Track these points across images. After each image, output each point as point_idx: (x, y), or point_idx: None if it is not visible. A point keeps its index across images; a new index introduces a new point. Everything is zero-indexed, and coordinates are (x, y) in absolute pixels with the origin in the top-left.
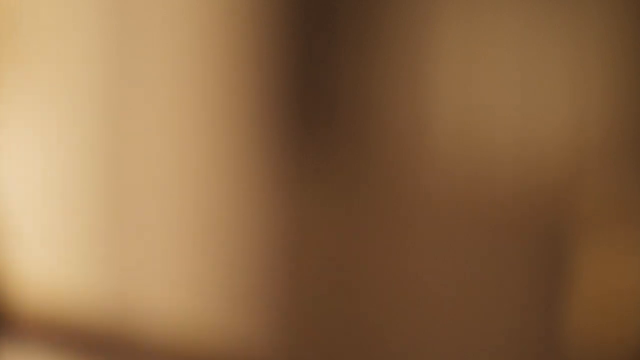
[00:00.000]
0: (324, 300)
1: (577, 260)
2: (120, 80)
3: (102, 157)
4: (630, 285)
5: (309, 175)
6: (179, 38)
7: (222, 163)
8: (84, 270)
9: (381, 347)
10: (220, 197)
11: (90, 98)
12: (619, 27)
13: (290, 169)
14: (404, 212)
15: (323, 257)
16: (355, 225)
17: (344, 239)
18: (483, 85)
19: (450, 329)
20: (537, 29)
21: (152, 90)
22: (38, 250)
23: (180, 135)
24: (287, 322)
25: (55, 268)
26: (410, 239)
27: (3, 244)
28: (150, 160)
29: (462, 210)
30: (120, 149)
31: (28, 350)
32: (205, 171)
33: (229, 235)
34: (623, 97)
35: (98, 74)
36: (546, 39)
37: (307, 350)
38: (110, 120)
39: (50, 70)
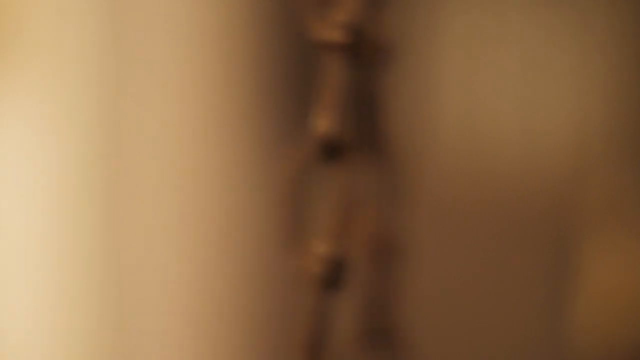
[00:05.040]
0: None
1: (580, 259)
2: (117, 80)
3: (99, 155)
4: (634, 284)
5: (307, 176)
6: (175, 37)
7: (220, 163)
8: (83, 264)
9: (382, 347)
10: (219, 197)
11: (87, 99)
12: (622, 28)
13: (289, 169)
14: (407, 214)
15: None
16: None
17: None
18: (486, 87)
19: (453, 327)
20: (540, 31)
21: (148, 89)
22: (35, 249)
23: (177, 133)
24: (286, 321)
25: (50, 265)
26: (413, 239)
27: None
28: (147, 158)
29: (465, 211)
30: (117, 147)
31: None
32: (204, 171)
33: (228, 235)
34: (626, 98)
35: (94, 75)
36: (549, 41)
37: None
38: (107, 120)
39: (47, 70)
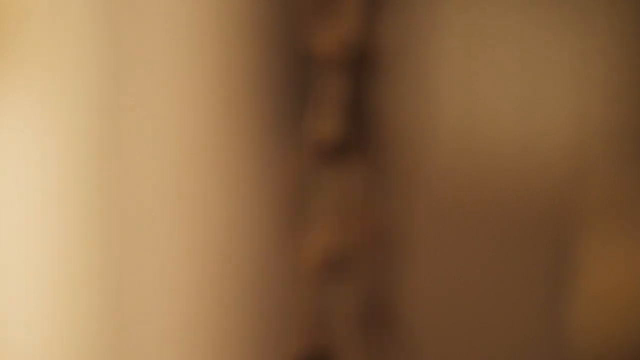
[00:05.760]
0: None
1: (580, 259)
2: (117, 80)
3: (99, 155)
4: (634, 284)
5: (307, 175)
6: (175, 36)
7: (220, 163)
8: (83, 264)
9: (382, 347)
10: (219, 198)
11: (87, 99)
12: (622, 28)
13: (289, 168)
14: (407, 213)
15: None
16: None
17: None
18: (486, 87)
19: (453, 327)
20: (540, 28)
21: (148, 90)
22: (35, 249)
23: (177, 132)
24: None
25: (48, 265)
26: (413, 239)
27: None
28: (147, 158)
29: (464, 211)
30: (116, 147)
31: None
32: (204, 171)
33: (228, 235)
34: (626, 98)
35: (94, 75)
36: (549, 41)
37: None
38: (107, 119)
39: (47, 70)
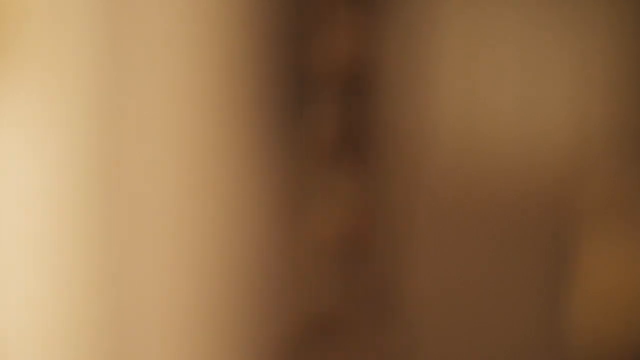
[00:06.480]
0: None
1: (580, 259)
2: (117, 80)
3: (99, 155)
4: (634, 284)
5: (308, 175)
6: (175, 36)
7: (220, 163)
8: (83, 264)
9: (383, 346)
10: (219, 198)
11: (88, 99)
12: (622, 28)
13: (289, 168)
14: (407, 213)
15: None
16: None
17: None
18: (486, 87)
19: (452, 327)
20: (540, 28)
21: (149, 90)
22: (35, 249)
23: (178, 131)
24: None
25: (47, 264)
26: (413, 239)
27: None
28: (147, 158)
29: (464, 211)
30: (117, 147)
31: None
32: (205, 172)
33: (229, 235)
34: (626, 98)
35: (95, 75)
36: (549, 40)
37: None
38: (107, 120)
39: (47, 70)
